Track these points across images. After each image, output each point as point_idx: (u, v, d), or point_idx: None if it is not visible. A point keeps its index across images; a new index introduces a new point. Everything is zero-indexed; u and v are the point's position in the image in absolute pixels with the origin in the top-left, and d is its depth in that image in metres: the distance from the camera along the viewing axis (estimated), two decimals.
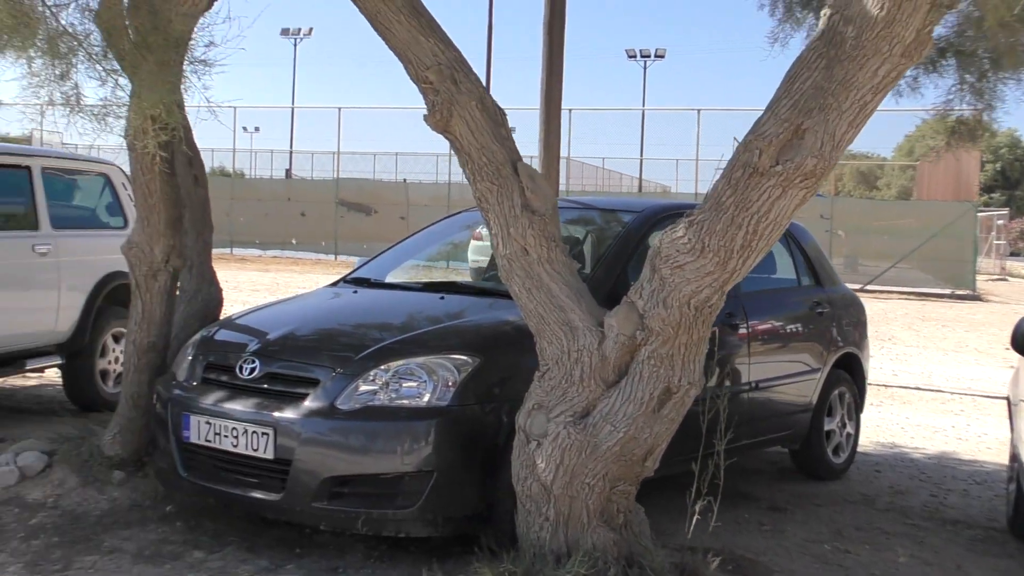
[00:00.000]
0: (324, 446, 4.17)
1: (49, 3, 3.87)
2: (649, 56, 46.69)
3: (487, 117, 3.97)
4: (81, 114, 4.23)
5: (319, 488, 4.13)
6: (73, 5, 3.99)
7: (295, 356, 4.52)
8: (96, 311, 7.02)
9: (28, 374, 7.35)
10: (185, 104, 4.53)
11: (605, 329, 3.90)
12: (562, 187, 14.60)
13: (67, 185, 7.36)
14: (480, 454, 4.23)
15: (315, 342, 4.72)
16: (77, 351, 6.94)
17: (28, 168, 6.72)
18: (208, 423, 4.41)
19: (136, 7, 4.01)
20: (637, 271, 4.96)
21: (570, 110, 25.11)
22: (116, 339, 7.29)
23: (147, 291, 5.22)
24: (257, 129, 44.93)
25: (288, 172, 38.83)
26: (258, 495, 4.28)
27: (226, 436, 4.35)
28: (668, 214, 5.47)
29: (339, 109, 29.63)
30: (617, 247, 5.19)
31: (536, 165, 13.05)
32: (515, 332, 4.49)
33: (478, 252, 21.02)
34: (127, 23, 4.10)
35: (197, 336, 5.02)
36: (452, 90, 3.91)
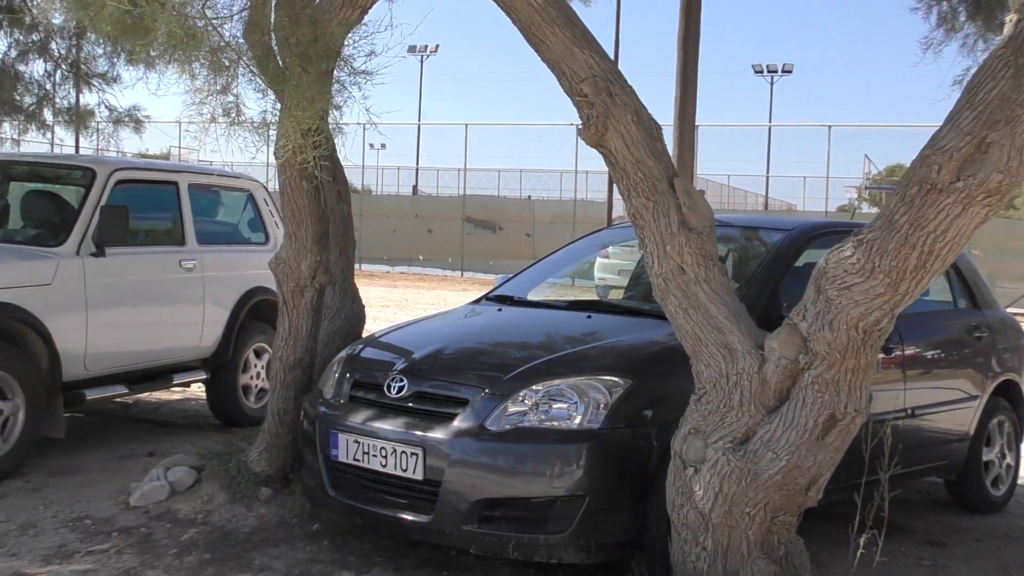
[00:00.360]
0: (474, 468, 4.10)
1: (211, 16, 3.90)
2: (776, 71, 45.86)
3: (643, 131, 3.85)
4: (242, 128, 4.25)
5: (469, 511, 4.07)
6: (236, 17, 4.00)
7: (443, 375, 4.47)
8: (239, 326, 7.12)
9: (172, 388, 7.51)
10: (337, 117, 4.52)
11: (765, 352, 3.74)
12: None
13: (211, 201, 7.50)
14: (632, 479, 4.11)
15: (463, 361, 4.67)
16: (220, 366, 7.05)
17: (176, 184, 6.87)
18: (356, 442, 4.40)
19: (296, 19, 4.01)
20: (789, 291, 4.80)
21: (697, 126, 24.75)
22: (258, 354, 7.40)
23: (294, 307, 5.24)
24: (383, 146, 45.65)
25: (415, 189, 39.34)
26: (407, 516, 4.24)
27: (374, 455, 4.32)
28: (821, 232, 5.28)
29: (466, 126, 29.84)
30: (768, 266, 5.00)
31: None
32: (666, 353, 4.37)
33: (604, 270, 21.11)
34: (283, 35, 4.07)
35: (343, 353, 5.02)
36: (607, 103, 3.81)
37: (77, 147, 12.01)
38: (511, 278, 5.97)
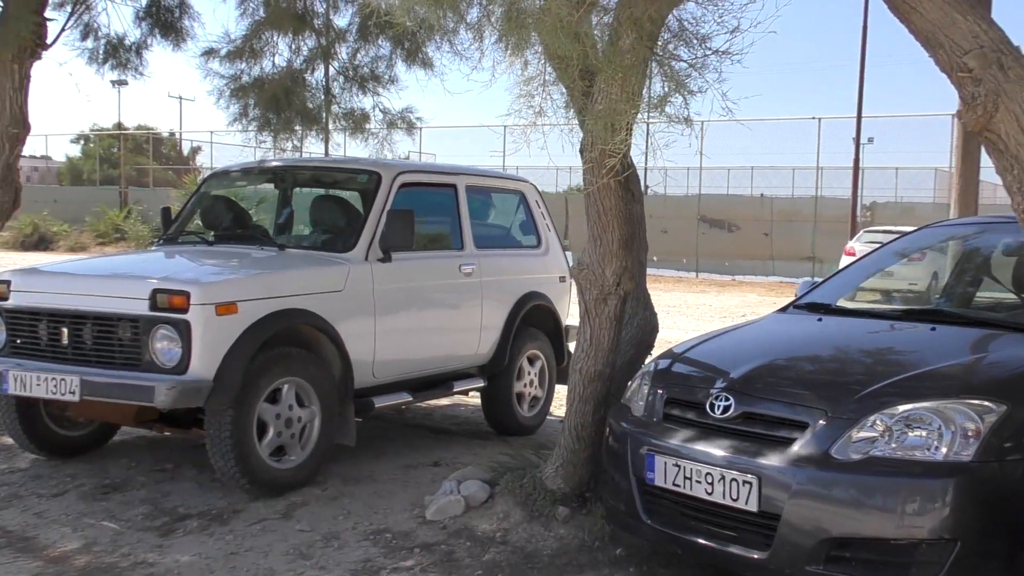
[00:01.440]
0: (820, 501, 3.63)
1: None
2: None
3: None
4: (588, 120, 3.91)
5: (815, 549, 3.60)
6: None
7: (774, 395, 4.02)
8: (514, 333, 6.92)
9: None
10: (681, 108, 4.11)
11: None
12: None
13: (485, 203, 7.33)
14: (1007, 523, 3.53)
15: (795, 379, 4.19)
16: (496, 373, 6.86)
17: (454, 186, 6.73)
18: (676, 465, 4.01)
19: None
20: None
21: (952, 115, 23.09)
22: (531, 361, 7.19)
23: (596, 316, 4.92)
24: None
25: (645, 188, 38.79)
26: (737, 551, 3.82)
27: (698, 481, 3.92)
28: None
29: (702, 123, 29.02)
30: None
31: (953, 176, 11.85)
32: None
33: None
34: (628, 15, 3.67)
35: (650, 367, 4.66)
36: (998, 78, 3.22)
37: (327, 150, 12.25)
38: (819, 284, 5.45)
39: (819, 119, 26.69)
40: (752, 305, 18.75)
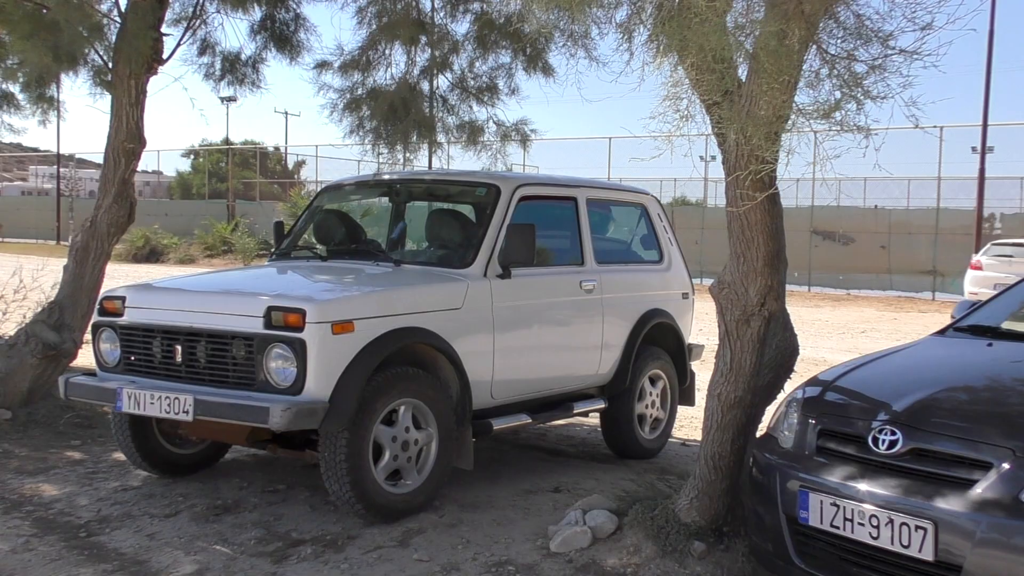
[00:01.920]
0: (1010, 552, 3.21)
1: None
2: None
3: None
4: (749, 127, 3.56)
5: None
6: None
7: (948, 430, 3.60)
8: (636, 352, 6.58)
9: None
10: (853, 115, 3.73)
11: None
12: None
13: (606, 216, 7.02)
14: None
15: (971, 412, 3.77)
16: (617, 394, 6.53)
17: (575, 199, 6.43)
18: (834, 505, 3.63)
19: None
20: None
21: None
22: (652, 382, 6.84)
23: (737, 339, 4.55)
24: (714, 158, 44.45)
25: None
26: None
27: (861, 524, 3.54)
28: None
29: (814, 134, 28.16)
30: None
31: None
32: None
33: (976, 283, 19.08)
34: (791, 6, 3.31)
35: (797, 394, 4.27)
36: None
37: (430, 163, 12.17)
38: (979, 306, 4.99)
39: (941, 128, 25.66)
40: (871, 320, 18.03)
